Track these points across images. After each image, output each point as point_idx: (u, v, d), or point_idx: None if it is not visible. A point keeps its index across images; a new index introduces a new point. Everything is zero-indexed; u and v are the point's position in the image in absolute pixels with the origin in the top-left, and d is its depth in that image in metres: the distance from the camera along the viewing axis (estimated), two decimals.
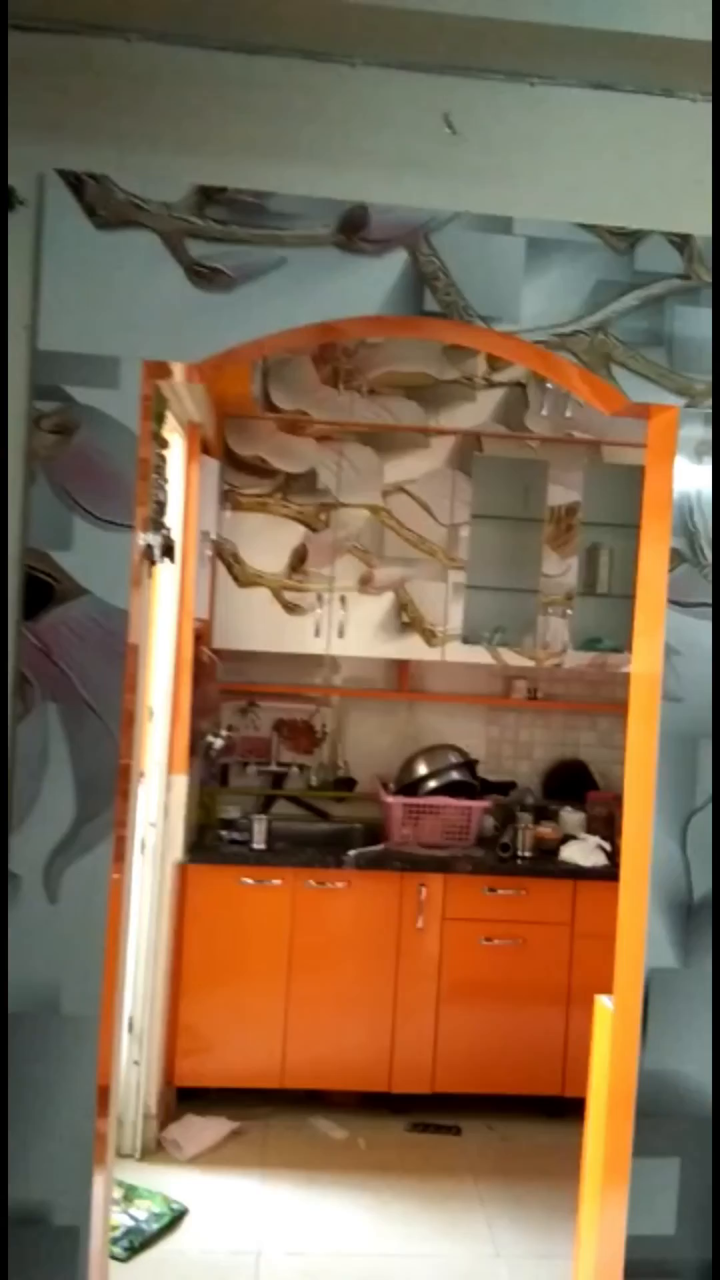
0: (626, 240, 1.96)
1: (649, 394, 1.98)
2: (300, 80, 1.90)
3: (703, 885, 1.98)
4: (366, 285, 1.90)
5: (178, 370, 2.00)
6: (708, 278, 1.98)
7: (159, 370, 1.97)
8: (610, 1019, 2.15)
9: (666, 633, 1.98)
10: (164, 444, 2.29)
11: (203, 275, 1.88)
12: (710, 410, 1.98)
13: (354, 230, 1.90)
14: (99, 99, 1.87)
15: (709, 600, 2.00)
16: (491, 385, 3.77)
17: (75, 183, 1.85)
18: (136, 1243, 2.67)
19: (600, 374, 1.96)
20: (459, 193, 1.93)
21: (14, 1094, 1.82)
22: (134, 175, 1.86)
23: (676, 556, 1.99)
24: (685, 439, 1.99)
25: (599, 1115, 2.19)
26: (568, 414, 3.75)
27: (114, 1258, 2.57)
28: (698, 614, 1.99)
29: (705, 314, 1.98)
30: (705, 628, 1.99)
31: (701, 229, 1.97)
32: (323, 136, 1.92)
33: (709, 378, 1.98)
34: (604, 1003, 2.23)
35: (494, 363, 3.75)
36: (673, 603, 1.98)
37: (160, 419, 2.21)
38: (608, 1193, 2.07)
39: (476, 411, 3.77)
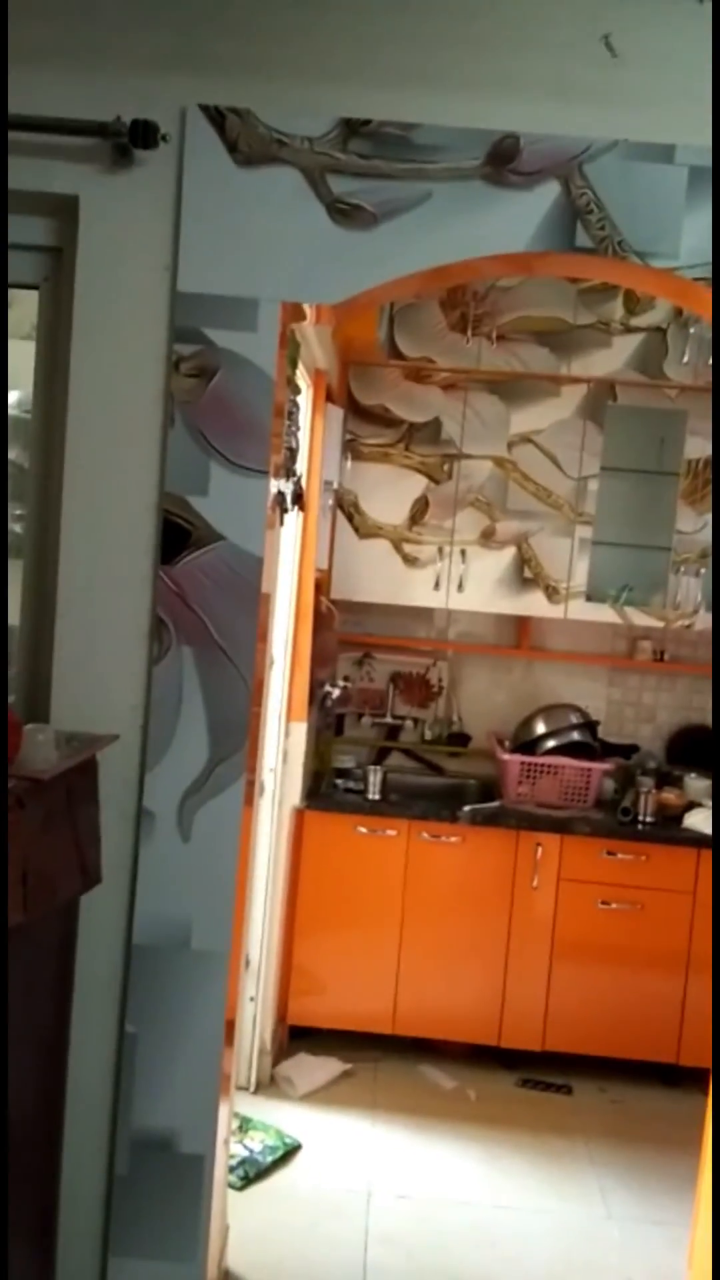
0: None
1: None
2: (446, 3, 1.80)
3: None
4: (515, 220, 1.82)
5: (310, 311, 1.96)
6: None
7: (295, 312, 1.93)
8: None
9: None
10: (297, 390, 2.26)
11: (344, 213, 1.83)
12: None
13: (504, 162, 1.81)
14: (240, 30, 1.83)
15: None
16: (629, 330, 3.60)
17: (218, 117, 1.81)
18: (251, 1173, 2.76)
19: None
20: (617, 120, 1.82)
21: (146, 1024, 1.88)
22: (276, 109, 1.81)
23: None
24: None
25: None
26: (710, 361, 3.55)
27: (230, 1186, 2.66)
28: None
29: None
30: None
31: None
32: (472, 63, 1.83)
33: None
34: None
35: (632, 306, 3.58)
36: None
37: (294, 364, 2.18)
38: None
39: (612, 358, 3.61)
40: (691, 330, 3.52)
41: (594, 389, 3.65)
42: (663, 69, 1.81)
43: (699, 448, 3.65)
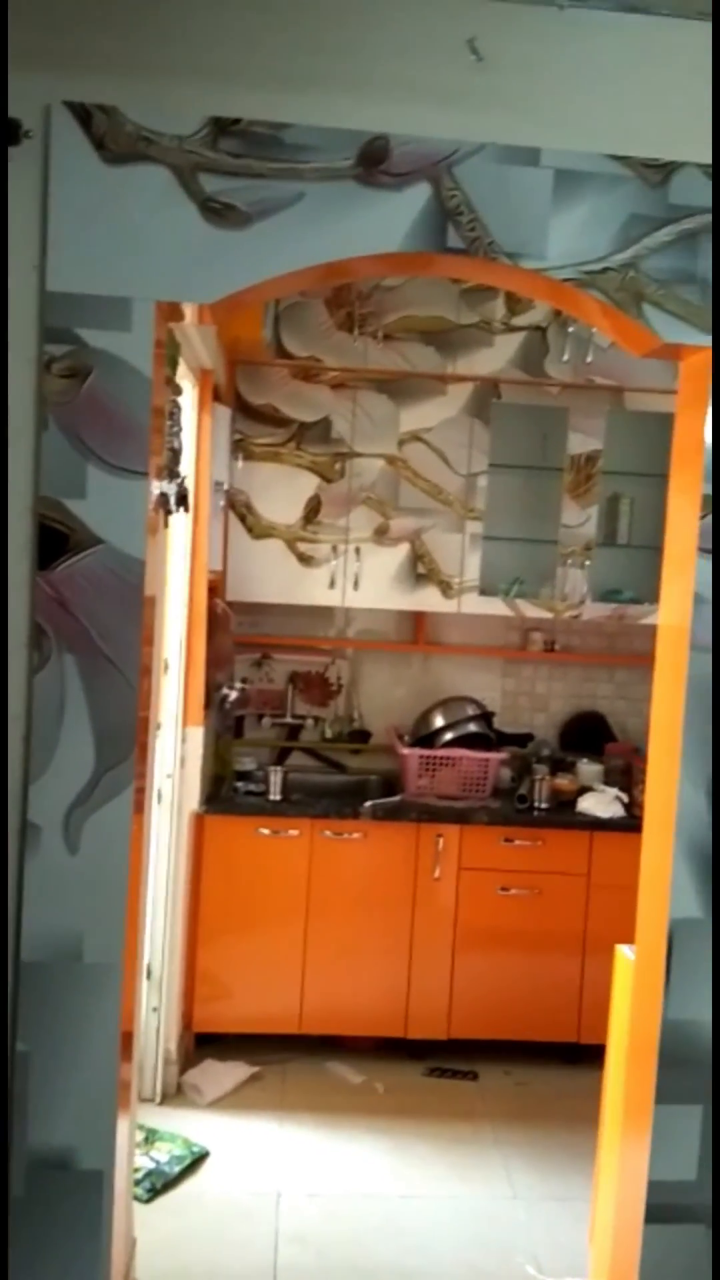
0: (660, 172, 1.88)
1: (682, 334, 1.91)
2: (316, 5, 1.81)
3: None
4: (387, 221, 1.84)
5: (189, 312, 1.95)
6: None
7: (171, 312, 1.91)
8: (631, 969, 2.15)
9: (696, 582, 1.94)
10: (177, 390, 2.23)
11: (216, 211, 1.81)
12: None
13: (374, 163, 1.82)
14: (107, 27, 1.80)
15: None
16: (510, 329, 3.67)
17: (83, 115, 1.78)
18: (158, 1184, 2.72)
19: (630, 313, 1.90)
20: (485, 123, 1.85)
21: (39, 1041, 1.84)
22: (144, 107, 1.79)
23: (708, 503, 1.93)
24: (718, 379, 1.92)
25: (619, 1063, 2.20)
26: (589, 359, 3.66)
27: (136, 1199, 2.62)
28: None
29: None
30: None
31: None
32: (341, 65, 1.84)
33: None
34: (625, 953, 2.22)
35: (513, 306, 3.65)
36: (703, 550, 1.94)
37: (174, 364, 2.15)
38: (628, 1138, 2.08)
39: (495, 357, 3.68)
40: (570, 329, 3.62)
41: (479, 387, 3.71)
42: (527, 73, 1.85)
43: (580, 443, 3.75)
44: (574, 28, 1.85)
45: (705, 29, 1.85)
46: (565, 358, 3.67)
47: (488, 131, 1.84)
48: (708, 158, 1.88)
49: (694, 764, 1.95)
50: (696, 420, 1.95)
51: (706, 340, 1.91)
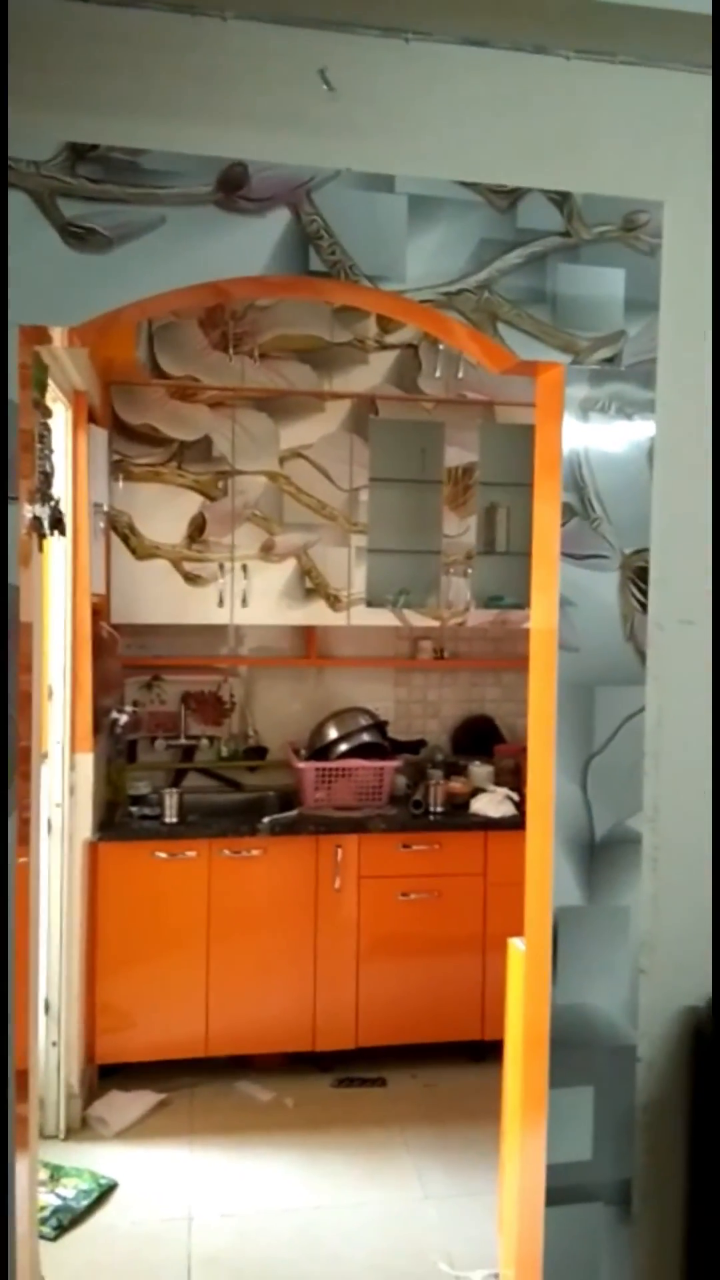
0: (507, 198, 1.98)
1: (535, 351, 2.01)
2: (169, 34, 1.84)
3: (604, 825, 2.05)
4: (249, 245, 1.88)
5: (58, 335, 1.95)
6: (587, 235, 2.01)
7: (37, 335, 1.90)
8: (522, 959, 2.22)
9: (561, 585, 2.04)
10: (47, 413, 2.22)
11: (78, 236, 1.82)
12: (594, 366, 2.02)
13: (233, 189, 1.86)
14: None
15: (600, 552, 2.05)
16: (384, 347, 3.77)
17: None
18: (65, 1220, 2.66)
19: (487, 332, 1.99)
20: (339, 151, 1.91)
21: None
22: None
23: (568, 510, 2.04)
24: (571, 395, 2.03)
25: (516, 1052, 2.28)
26: (460, 375, 3.78)
27: (43, 1237, 2.56)
28: (589, 565, 2.05)
29: (586, 271, 2.02)
30: (597, 579, 2.05)
31: (579, 186, 2.00)
32: (197, 92, 1.87)
33: (591, 334, 2.02)
34: (516, 944, 2.30)
35: (385, 325, 3.74)
36: (566, 555, 2.04)
37: (42, 386, 2.14)
38: (527, 1124, 2.15)
39: (370, 374, 3.77)
40: (440, 347, 3.73)
41: (356, 404, 3.79)
42: (378, 102, 1.92)
43: (457, 456, 3.87)
44: (420, 60, 1.93)
45: (541, 61, 1.96)
46: (437, 374, 3.78)
47: (343, 159, 1.90)
48: (552, 184, 1.99)
49: (568, 758, 2.04)
50: (553, 432, 2.05)
51: (558, 357, 2.01)
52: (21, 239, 1.79)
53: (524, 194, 1.98)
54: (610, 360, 2.02)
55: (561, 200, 2.00)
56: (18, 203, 1.79)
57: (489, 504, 3.96)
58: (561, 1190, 2.06)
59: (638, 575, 2.06)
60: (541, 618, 2.13)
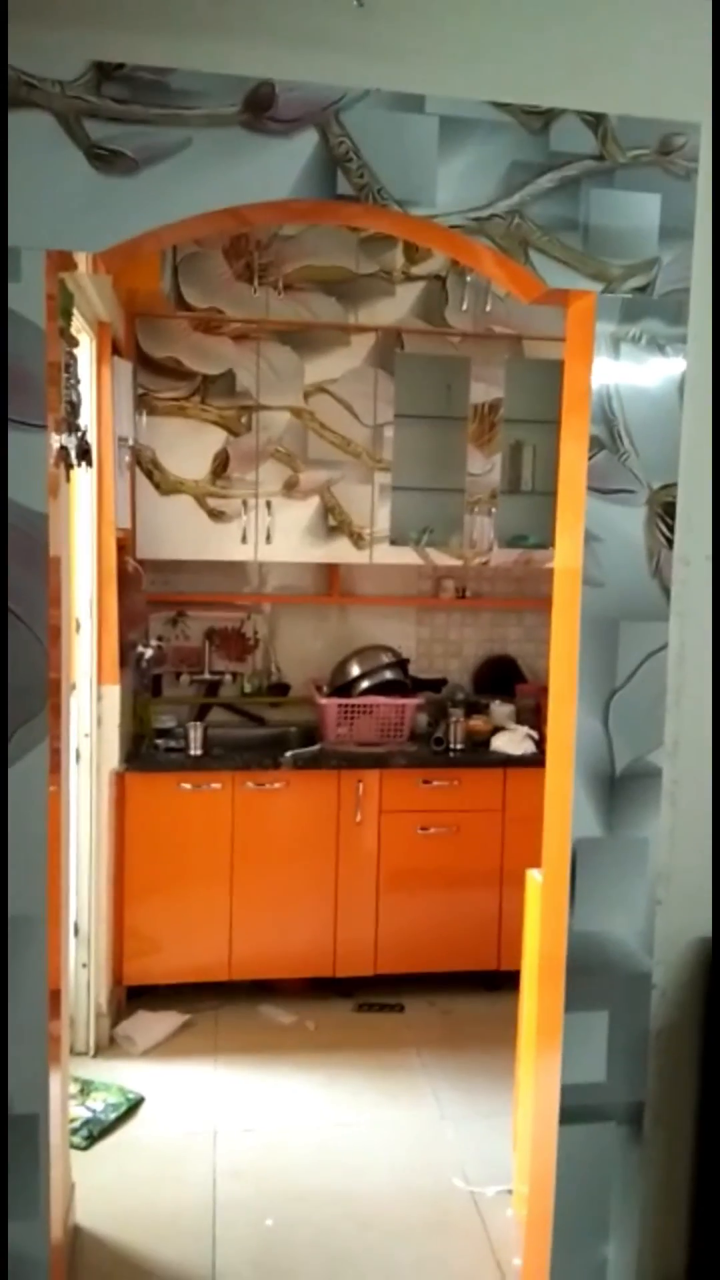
0: (540, 119, 1.92)
1: (566, 279, 1.97)
2: None
3: (624, 759, 2.07)
4: (277, 167, 1.84)
5: (82, 261, 1.93)
6: (622, 158, 1.96)
7: (63, 261, 1.89)
8: (540, 890, 2.26)
9: (587, 520, 2.03)
10: (73, 342, 2.20)
11: (104, 158, 1.79)
12: (626, 295, 1.99)
13: (261, 109, 1.82)
14: None
15: (628, 487, 2.04)
16: (410, 279, 3.70)
17: None
18: (96, 1131, 2.78)
19: (517, 259, 1.95)
20: (369, 70, 1.86)
21: None
22: (24, 51, 1.74)
23: (596, 444, 2.01)
24: (602, 326, 1.99)
25: (532, 978, 2.33)
26: (488, 308, 3.72)
27: (74, 1147, 2.68)
28: (616, 500, 2.03)
29: (620, 196, 1.96)
30: (623, 514, 2.04)
31: (614, 108, 1.94)
32: (225, 9, 1.82)
33: (625, 263, 1.98)
34: (534, 875, 2.34)
35: (412, 256, 3.68)
36: (592, 490, 2.02)
37: (67, 315, 2.12)
38: (543, 1046, 2.21)
39: (396, 306, 3.71)
40: (468, 279, 3.66)
41: (381, 338, 3.74)
42: (410, 21, 1.87)
43: (483, 392, 3.82)
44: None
45: None
46: (464, 307, 3.71)
47: (373, 78, 1.85)
48: (586, 105, 1.93)
49: (590, 692, 2.05)
50: (583, 363, 2.02)
51: (589, 285, 1.97)
52: (47, 162, 1.77)
53: (557, 115, 1.92)
54: (642, 289, 1.98)
55: (596, 122, 1.94)
56: (43, 124, 1.76)
57: (514, 442, 3.92)
58: (575, 1109, 2.12)
59: (665, 511, 2.05)
60: (566, 552, 2.12)
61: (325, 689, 3.93)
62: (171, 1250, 2.36)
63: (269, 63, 1.82)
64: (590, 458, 2.01)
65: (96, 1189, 2.54)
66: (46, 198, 1.78)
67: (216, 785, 3.48)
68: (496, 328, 3.77)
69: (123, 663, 3.35)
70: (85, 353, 2.93)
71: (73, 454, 2.09)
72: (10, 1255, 1.90)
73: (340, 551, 3.83)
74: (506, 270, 2.01)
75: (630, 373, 2.01)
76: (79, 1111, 2.81)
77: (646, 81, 1.95)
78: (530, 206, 1.93)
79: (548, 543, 3.83)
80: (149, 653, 3.75)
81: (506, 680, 4.20)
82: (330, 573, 4.06)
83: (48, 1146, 1.93)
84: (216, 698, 4.09)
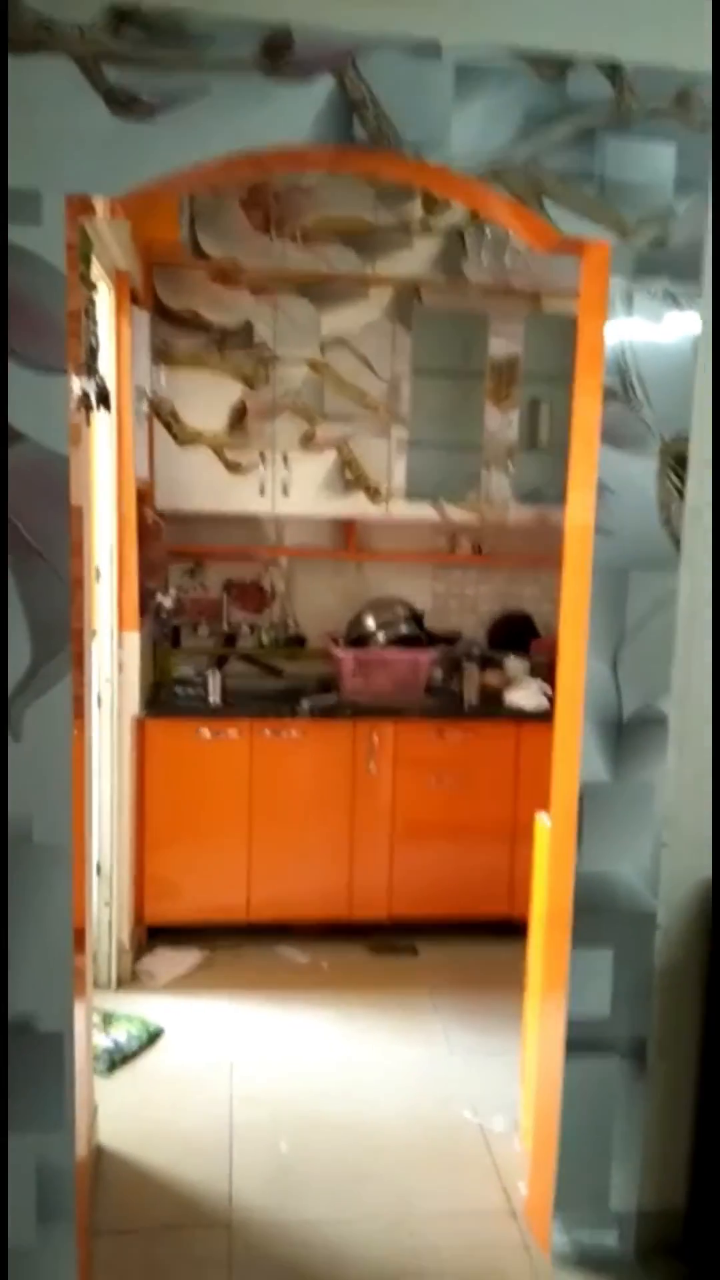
0: (556, 67, 1.92)
1: (581, 228, 1.98)
2: None
3: (632, 705, 2.11)
4: (293, 112, 1.85)
5: (100, 207, 1.95)
6: (638, 108, 1.95)
7: (82, 205, 1.91)
8: (548, 833, 2.32)
9: (599, 471, 2.05)
10: (92, 287, 2.23)
11: (122, 103, 1.81)
12: (641, 246, 1.99)
13: (277, 54, 1.83)
14: None
15: (641, 438, 2.05)
16: (429, 231, 3.69)
17: None
18: (118, 1059, 2.89)
19: (532, 207, 1.96)
20: (387, 16, 1.86)
21: None
22: None
23: (609, 395, 2.03)
24: (616, 277, 2.00)
25: (540, 916, 2.40)
26: (506, 262, 3.70)
27: (97, 1073, 2.79)
28: (629, 451, 2.06)
29: (636, 147, 1.97)
30: (635, 464, 2.06)
31: (631, 56, 1.93)
32: None
33: (639, 213, 1.98)
34: (543, 820, 2.40)
35: (430, 208, 3.66)
36: (605, 440, 2.04)
37: (86, 259, 2.15)
38: (549, 983, 2.28)
39: (414, 259, 3.70)
40: (487, 232, 3.64)
41: (400, 291, 3.74)
42: None
43: (501, 348, 3.81)
44: None
45: None
46: (483, 260, 3.70)
47: (389, 24, 1.86)
48: (603, 54, 1.92)
49: (599, 640, 2.09)
50: (597, 314, 2.04)
51: (604, 235, 1.98)
52: (66, 106, 1.79)
53: (574, 64, 1.92)
54: (658, 241, 1.99)
55: (613, 71, 1.94)
56: (63, 68, 1.78)
57: (532, 398, 3.92)
58: (580, 1042, 2.19)
59: (677, 462, 2.07)
60: (578, 502, 2.15)
61: (341, 641, 3.98)
62: (190, 1170, 2.47)
63: (287, 7, 1.83)
64: (604, 408, 2.03)
65: (119, 1112, 2.66)
66: (66, 142, 1.80)
67: (234, 733, 3.55)
68: (515, 283, 3.75)
69: (143, 611, 3.41)
70: (103, 302, 2.95)
71: (93, 397, 2.13)
72: (38, 1165, 2.00)
73: (356, 506, 3.86)
74: (521, 218, 2.02)
75: (644, 324, 2.02)
76: (102, 1041, 2.92)
77: (664, 32, 1.94)
78: (546, 155, 1.94)
79: (564, 500, 3.83)
80: (168, 603, 3.82)
81: (521, 636, 4.23)
82: (347, 528, 4.09)
83: (72, 1064, 2.02)
84: (234, 649, 4.16)
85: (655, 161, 1.97)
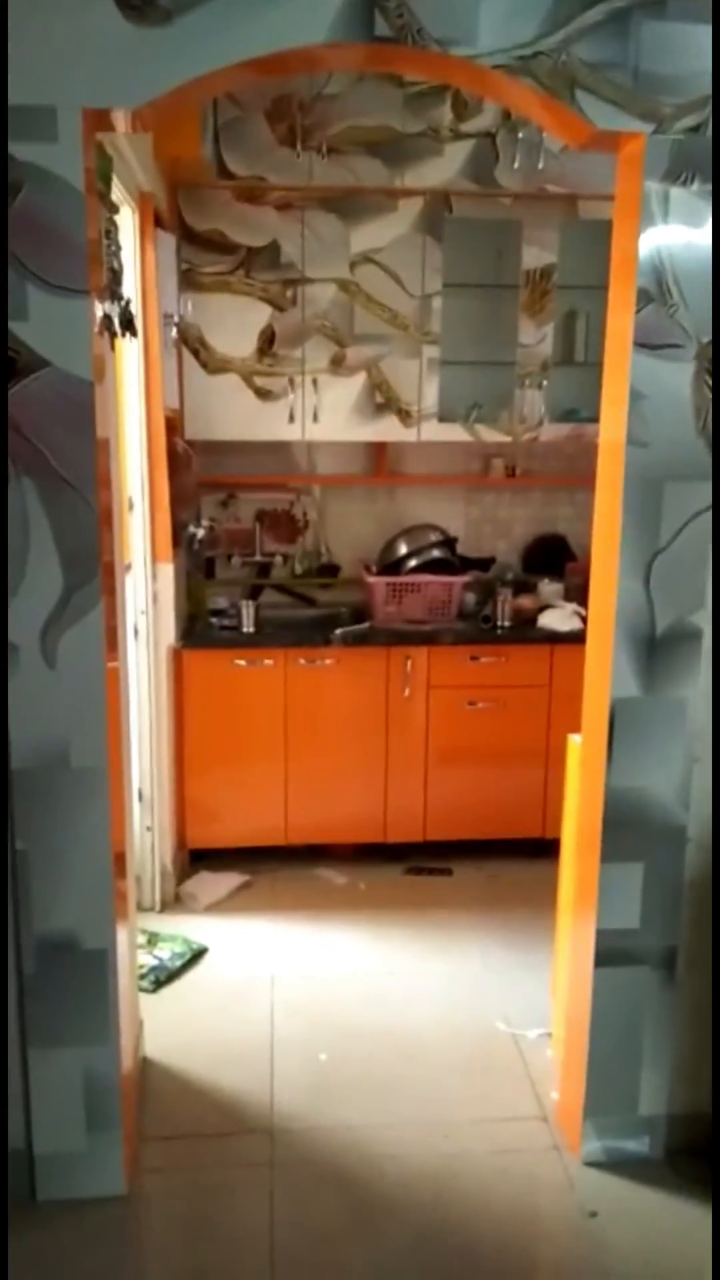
0: None
1: (615, 120, 1.89)
2: None
3: (665, 620, 2.09)
4: (313, 10, 1.78)
5: (120, 121, 1.90)
6: None
7: (100, 121, 1.86)
8: (580, 751, 2.32)
9: (632, 377, 1.99)
10: (113, 208, 2.19)
11: (135, 8, 1.75)
12: (678, 136, 1.90)
13: None
14: None
15: (676, 341, 1.99)
16: (459, 137, 3.55)
17: None
18: (162, 977, 2.99)
19: (563, 100, 1.87)
20: None
21: (36, 841, 2.00)
22: None
23: (644, 296, 1.97)
24: (651, 170, 1.92)
25: (572, 831, 2.42)
26: (540, 166, 3.56)
27: (142, 990, 2.89)
28: (664, 356, 1.99)
29: (672, 30, 1.86)
30: (671, 370, 2.00)
31: None
32: None
33: (677, 101, 1.89)
34: (575, 740, 2.40)
35: (460, 112, 3.52)
36: (639, 345, 1.98)
37: (106, 179, 2.10)
38: (580, 896, 2.31)
39: (444, 167, 3.57)
40: (520, 135, 3.50)
41: (430, 202, 3.62)
42: None
43: (535, 258, 3.70)
44: None
45: None
46: (515, 165, 3.56)
47: None
48: None
49: (632, 554, 2.06)
50: (632, 215, 1.96)
51: (639, 126, 1.89)
52: (78, 14, 1.74)
53: None
54: (695, 129, 1.90)
55: None
56: None
57: (568, 310, 3.81)
58: (610, 953, 2.22)
59: (714, 366, 2.00)
60: (611, 425, 2.09)
61: (374, 568, 3.96)
62: (232, 1078, 2.57)
63: None
64: (638, 310, 1.96)
65: (163, 1026, 2.75)
66: (79, 53, 1.75)
67: (269, 662, 3.58)
68: (550, 187, 3.61)
69: (176, 542, 3.42)
70: (128, 225, 2.90)
71: (116, 321, 2.10)
72: (86, 1076, 2.09)
73: (388, 429, 3.81)
74: (552, 113, 1.93)
75: (681, 220, 1.94)
76: (147, 959, 3.02)
77: None
78: (577, 43, 1.84)
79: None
80: (201, 534, 3.82)
81: (556, 559, 4.19)
82: (378, 452, 4.04)
83: (116, 981, 2.10)
84: (268, 579, 4.16)
85: (692, 45, 1.87)
